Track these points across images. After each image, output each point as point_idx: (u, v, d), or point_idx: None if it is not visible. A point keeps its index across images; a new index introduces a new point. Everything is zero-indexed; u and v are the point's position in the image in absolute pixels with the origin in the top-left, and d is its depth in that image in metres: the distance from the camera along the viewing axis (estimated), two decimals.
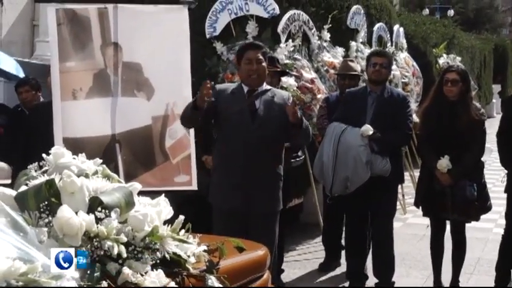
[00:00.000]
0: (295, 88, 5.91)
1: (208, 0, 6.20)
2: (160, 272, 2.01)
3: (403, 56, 10.06)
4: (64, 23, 4.63)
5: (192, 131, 4.67)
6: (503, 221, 5.09)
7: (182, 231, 2.24)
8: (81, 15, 4.67)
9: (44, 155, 2.35)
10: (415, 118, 5.71)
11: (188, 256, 2.18)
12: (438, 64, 13.19)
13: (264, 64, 4.11)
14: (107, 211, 2.05)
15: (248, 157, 3.96)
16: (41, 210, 1.99)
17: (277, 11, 6.26)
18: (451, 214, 4.85)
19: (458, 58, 14.88)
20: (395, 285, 5.16)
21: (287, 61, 6.14)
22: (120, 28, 4.65)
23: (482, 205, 4.88)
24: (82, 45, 4.68)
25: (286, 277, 5.51)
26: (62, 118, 4.59)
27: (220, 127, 4.15)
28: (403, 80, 9.39)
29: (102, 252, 1.96)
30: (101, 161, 2.42)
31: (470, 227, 5.25)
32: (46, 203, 2.01)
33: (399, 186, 5.84)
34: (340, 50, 7.27)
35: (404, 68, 9.72)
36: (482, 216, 5.00)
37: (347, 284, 5.37)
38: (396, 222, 5.71)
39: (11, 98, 7.07)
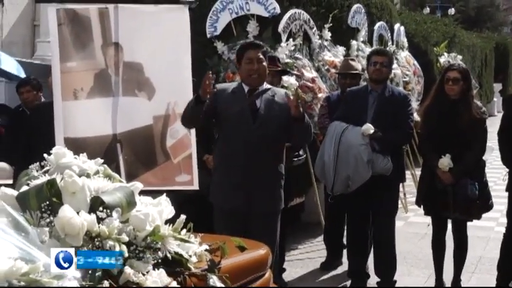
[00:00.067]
0: (295, 87, 5.91)
1: None
2: (161, 272, 2.01)
3: (404, 55, 10.06)
4: (65, 23, 4.63)
5: (193, 130, 4.67)
6: (504, 220, 5.08)
7: (184, 230, 2.24)
8: (82, 15, 4.67)
9: (45, 155, 2.35)
10: (416, 117, 5.71)
11: (190, 255, 2.18)
12: (439, 63, 13.19)
13: (264, 63, 4.11)
14: (108, 211, 2.05)
15: (249, 156, 3.96)
16: (43, 210, 1.99)
17: (278, 10, 6.26)
18: (452, 213, 4.85)
19: (459, 57, 14.87)
20: (397, 284, 5.16)
21: (288, 60, 6.14)
22: (121, 28, 4.65)
23: (484, 204, 4.88)
24: (83, 45, 4.67)
25: (287, 276, 5.51)
26: (63, 118, 4.59)
27: (221, 127, 4.15)
28: (404, 79, 9.39)
29: None
30: (102, 160, 2.42)
31: (472, 226, 5.25)
32: (47, 202, 2.01)
33: (401, 185, 5.83)
34: (341, 49, 7.28)
35: (405, 66, 9.72)
36: (484, 215, 5.00)
37: (348, 283, 5.37)
38: (398, 221, 5.71)
39: (12, 98, 7.09)
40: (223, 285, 2.20)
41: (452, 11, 29.52)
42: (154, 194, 2.38)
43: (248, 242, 2.58)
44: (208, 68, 6.04)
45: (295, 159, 5.24)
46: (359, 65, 6.24)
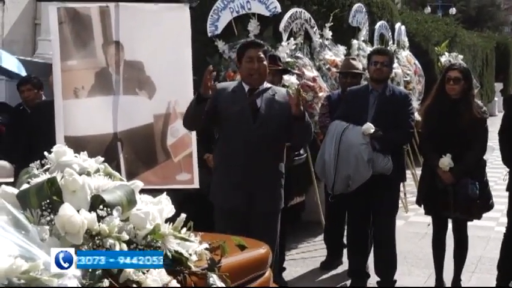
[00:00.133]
0: (296, 86, 5.91)
1: None
2: (161, 270, 2.01)
3: (405, 54, 10.05)
4: (66, 22, 4.63)
5: None
6: (505, 220, 5.08)
7: (184, 229, 2.24)
8: (82, 14, 4.67)
9: (46, 153, 2.35)
10: (417, 116, 5.71)
11: (190, 254, 2.18)
12: (440, 62, 13.17)
13: (265, 62, 4.10)
14: (109, 209, 2.05)
15: (249, 156, 3.96)
16: (43, 208, 1.99)
17: (279, 9, 6.26)
18: (452, 212, 4.85)
19: (460, 56, 14.85)
20: (397, 284, 5.15)
21: (289, 59, 6.13)
22: (122, 26, 4.65)
23: (484, 203, 4.87)
24: (84, 44, 4.68)
25: (288, 275, 5.51)
26: (63, 116, 4.59)
27: (221, 126, 4.14)
28: (405, 79, 9.38)
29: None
30: (102, 159, 2.42)
31: (472, 226, 5.25)
32: (48, 201, 2.01)
33: (401, 185, 5.83)
34: (342, 48, 7.27)
35: (406, 66, 9.71)
36: (484, 215, 5.00)
37: (348, 283, 5.37)
38: (398, 221, 5.71)
39: (13, 97, 7.09)
40: (223, 284, 2.20)
41: (453, 10, 29.57)
42: (155, 192, 2.38)
43: (248, 241, 2.58)
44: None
45: (296, 158, 5.24)
46: (360, 64, 6.23)
